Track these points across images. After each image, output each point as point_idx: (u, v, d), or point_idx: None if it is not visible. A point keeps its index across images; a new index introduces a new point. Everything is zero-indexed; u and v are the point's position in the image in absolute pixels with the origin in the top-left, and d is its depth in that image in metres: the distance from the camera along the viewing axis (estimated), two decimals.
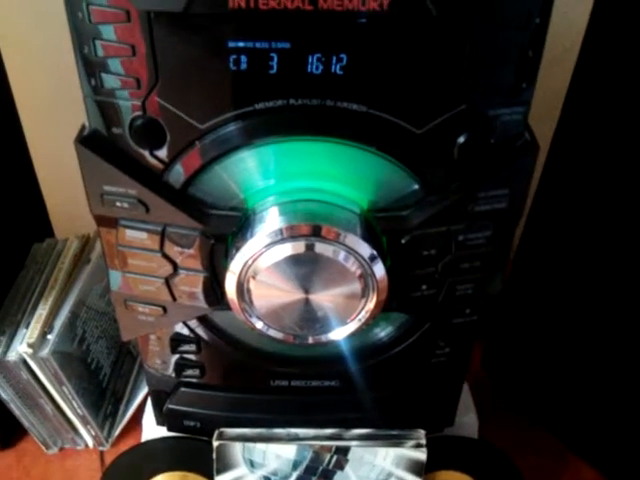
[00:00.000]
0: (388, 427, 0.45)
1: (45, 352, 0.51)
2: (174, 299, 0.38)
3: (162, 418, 0.47)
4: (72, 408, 0.55)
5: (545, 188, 0.49)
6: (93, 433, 0.58)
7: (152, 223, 0.34)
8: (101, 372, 0.60)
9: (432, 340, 0.42)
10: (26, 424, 0.56)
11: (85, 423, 0.57)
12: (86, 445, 0.59)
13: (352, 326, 0.36)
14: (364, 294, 0.34)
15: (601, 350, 0.51)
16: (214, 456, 0.44)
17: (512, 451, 0.50)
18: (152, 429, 0.49)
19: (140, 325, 0.40)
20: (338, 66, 0.29)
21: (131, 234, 0.35)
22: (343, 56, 0.29)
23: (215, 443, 0.44)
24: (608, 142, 0.43)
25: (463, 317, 0.39)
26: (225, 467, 0.45)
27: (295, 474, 0.45)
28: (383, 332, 0.41)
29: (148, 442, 0.47)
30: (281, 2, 0.27)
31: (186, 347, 0.42)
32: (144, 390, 0.61)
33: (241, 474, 0.45)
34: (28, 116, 0.62)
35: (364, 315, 0.35)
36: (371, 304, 0.35)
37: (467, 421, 0.50)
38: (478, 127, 0.32)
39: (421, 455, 0.44)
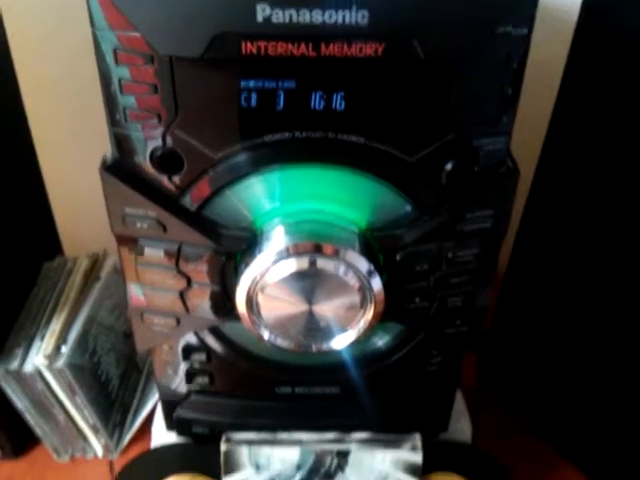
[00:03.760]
0: (386, 431, 0.49)
1: (60, 363, 0.54)
2: (187, 311, 0.41)
3: (172, 424, 0.50)
4: (84, 417, 0.58)
5: (533, 204, 0.51)
6: (103, 442, 0.60)
7: (169, 242, 0.38)
8: (110, 384, 0.62)
9: (426, 349, 0.45)
10: (39, 433, 0.59)
11: (95, 432, 0.59)
12: (95, 454, 0.61)
13: (352, 335, 0.39)
14: (362, 306, 0.38)
15: (592, 359, 0.52)
16: (221, 459, 0.47)
17: (504, 456, 0.53)
18: (161, 435, 0.51)
19: (154, 336, 0.43)
20: (339, 103, 0.33)
21: (149, 252, 0.38)
22: (343, 94, 0.33)
23: (223, 447, 0.47)
24: (592, 160, 0.46)
25: (454, 328, 0.43)
26: (232, 469, 0.48)
27: (298, 476, 0.48)
28: (380, 342, 0.45)
29: (157, 449, 0.50)
30: (288, 49, 0.30)
31: (196, 356, 0.45)
32: (151, 401, 0.64)
33: (247, 476, 0.48)
34: (41, 137, 0.64)
35: (363, 325, 0.39)
36: (369, 315, 0.38)
37: (461, 427, 0.53)
38: (464, 155, 0.35)
39: (417, 458, 0.47)
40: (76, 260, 0.65)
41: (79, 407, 0.57)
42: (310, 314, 0.38)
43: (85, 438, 0.60)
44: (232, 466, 0.48)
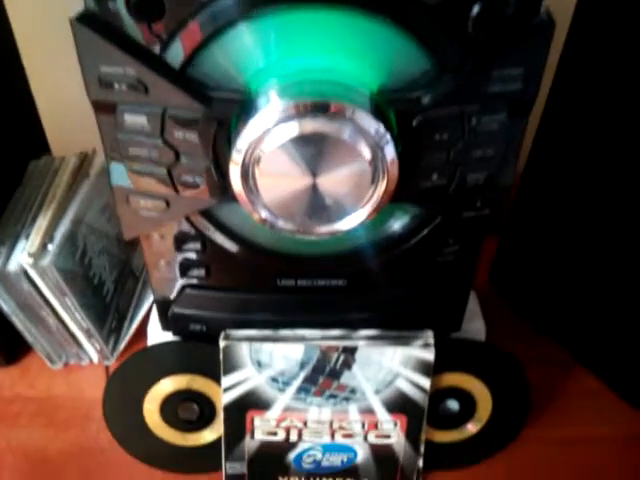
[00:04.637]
0: (395, 328, 0.45)
1: (46, 262, 0.50)
2: (177, 191, 0.36)
3: (167, 323, 0.46)
4: (75, 320, 0.55)
5: (554, 102, 0.49)
6: (98, 347, 0.58)
7: (152, 105, 0.33)
8: (104, 287, 0.59)
9: (442, 236, 0.41)
10: (29, 338, 0.56)
11: (89, 336, 0.57)
12: (91, 360, 0.59)
13: (361, 215, 0.35)
14: (374, 180, 0.33)
15: (608, 262, 0.51)
16: (221, 357, 0.44)
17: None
18: (157, 336, 0.48)
19: (142, 222, 0.39)
20: None
21: (131, 119, 0.34)
22: None
23: (222, 344, 0.44)
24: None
25: (474, 210, 0.38)
26: (232, 368, 0.44)
27: (302, 374, 0.45)
28: (391, 227, 0.40)
29: (153, 347, 0.47)
30: None
31: (190, 245, 0.41)
32: (148, 305, 0.61)
33: (248, 375, 0.45)
34: (24, 31, 0.60)
35: (373, 203, 0.34)
36: (380, 191, 0.34)
37: (475, 327, 0.49)
38: None
39: (429, 355, 0.44)
40: (64, 159, 0.61)
41: (69, 309, 0.54)
42: (314, 189, 0.34)
43: (79, 343, 0.58)
44: (232, 364, 0.44)
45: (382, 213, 0.35)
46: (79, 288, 0.54)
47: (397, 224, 0.40)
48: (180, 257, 0.42)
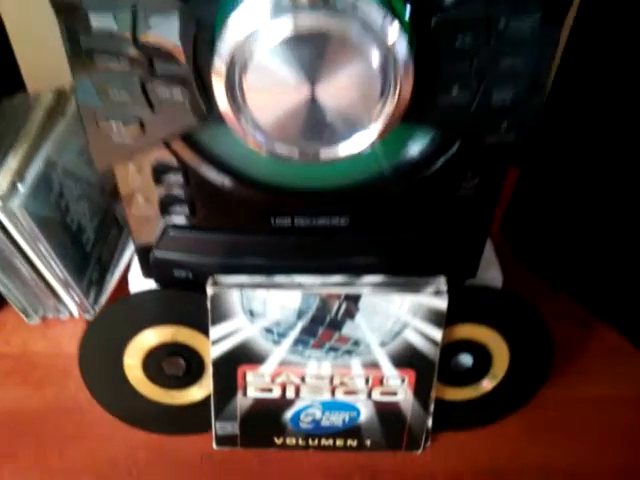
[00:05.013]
0: (404, 275, 0.40)
1: (16, 204, 0.45)
2: (152, 109, 0.31)
3: (149, 270, 0.42)
4: (51, 270, 0.50)
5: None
6: (77, 300, 0.53)
7: (120, 4, 0.28)
8: (83, 235, 0.54)
9: (460, 168, 0.36)
10: (3, 290, 0.51)
11: (67, 288, 0.52)
12: (71, 314, 0.54)
13: (367, 136, 0.30)
14: (383, 90, 0.28)
15: (628, 211, 0.47)
16: (208, 305, 0.39)
17: None
18: (138, 285, 0.43)
19: (115, 149, 0.34)
20: None
21: (96, 19, 0.28)
22: None
23: (210, 291, 0.39)
24: None
25: (498, 135, 0.33)
26: (221, 318, 0.40)
27: (300, 324, 0.40)
28: (402, 156, 0.35)
29: (134, 295, 0.42)
30: None
31: (172, 178, 0.36)
32: (131, 254, 0.56)
33: (239, 325, 0.40)
34: None
35: (383, 121, 0.29)
36: (392, 105, 0.29)
37: (491, 275, 0.45)
38: None
39: (441, 303, 0.40)
40: (39, 96, 0.56)
41: (44, 258, 0.49)
42: (313, 103, 0.28)
43: (57, 296, 0.53)
44: (221, 314, 0.40)
45: (392, 137, 0.30)
46: (55, 234, 0.50)
47: (409, 151, 0.35)
48: (160, 192, 0.37)
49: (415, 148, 0.35)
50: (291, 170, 0.35)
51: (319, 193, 0.36)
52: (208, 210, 0.37)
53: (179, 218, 0.38)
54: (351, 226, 0.38)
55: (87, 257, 0.54)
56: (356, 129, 0.30)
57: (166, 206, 0.37)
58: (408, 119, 0.30)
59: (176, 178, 0.36)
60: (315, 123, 0.29)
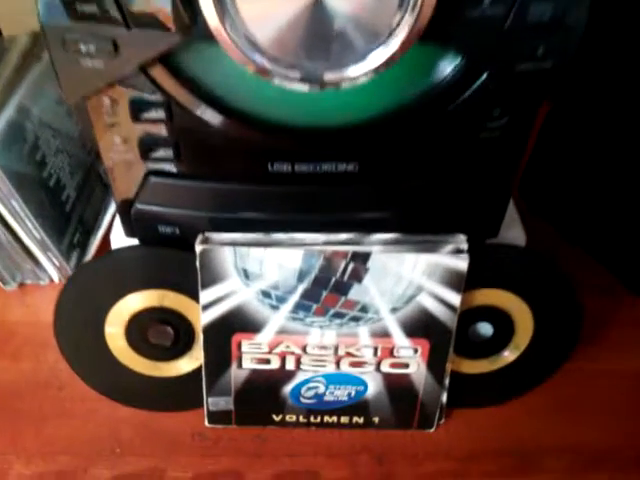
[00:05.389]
0: (419, 232, 0.36)
1: None
2: (127, 26, 0.26)
3: (131, 226, 0.37)
4: (27, 230, 0.45)
5: None
6: (57, 263, 0.48)
7: None
8: (63, 192, 0.49)
9: (486, 103, 0.31)
10: None
11: (45, 250, 0.47)
12: (51, 280, 0.50)
13: (381, 55, 0.25)
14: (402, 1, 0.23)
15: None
16: (197, 265, 0.35)
17: None
18: (120, 244, 0.39)
19: (86, 77, 0.29)
20: None
21: None
22: None
23: (198, 249, 0.34)
24: None
25: (532, 61, 0.28)
26: (212, 280, 0.35)
27: (301, 287, 0.35)
28: (419, 88, 0.30)
29: (114, 252, 0.38)
30: None
31: (152, 114, 0.31)
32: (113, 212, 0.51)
33: (233, 288, 0.35)
34: None
35: (400, 37, 0.24)
36: (411, 16, 0.24)
37: (512, 235, 0.40)
38: None
39: (461, 264, 0.35)
40: (14, 39, 0.51)
41: (19, 216, 0.45)
42: (319, 10, 0.24)
43: (35, 259, 0.48)
44: (212, 275, 0.35)
45: (409, 62, 0.26)
46: (30, 190, 0.45)
47: (428, 81, 0.30)
48: (140, 131, 0.32)
49: (436, 77, 0.30)
50: (291, 103, 0.30)
51: (324, 132, 0.31)
52: (195, 153, 0.33)
53: (162, 164, 0.33)
54: (360, 173, 0.33)
55: (67, 217, 0.50)
56: (368, 45, 0.25)
57: (147, 149, 0.32)
58: (430, 38, 0.25)
59: (157, 113, 0.31)
60: (321, 38, 0.25)
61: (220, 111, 0.30)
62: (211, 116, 0.30)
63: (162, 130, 0.31)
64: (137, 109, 0.31)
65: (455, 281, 0.36)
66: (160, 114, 0.31)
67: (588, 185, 0.49)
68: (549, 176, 0.52)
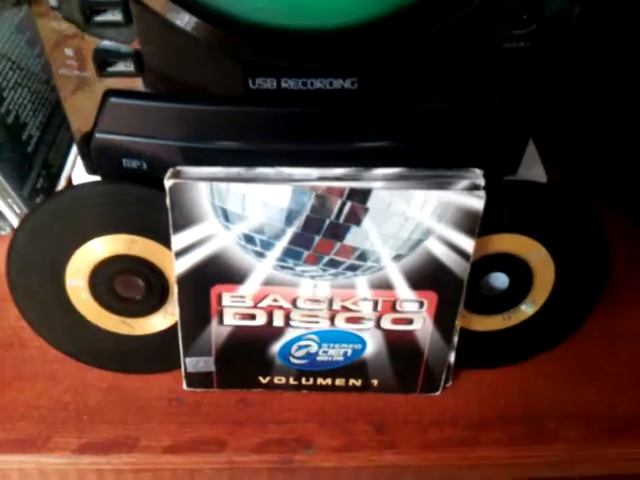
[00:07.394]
0: (428, 166, 0.31)
1: None
2: None
3: (90, 160, 0.32)
4: None
5: None
6: (18, 211, 0.43)
7: None
8: (24, 131, 0.44)
9: (511, 2, 0.25)
10: None
11: (5, 196, 0.42)
12: (13, 229, 0.45)
13: None
14: None
15: None
16: (168, 203, 0.30)
17: None
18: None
19: None
20: None
21: None
22: None
23: (168, 184, 0.29)
24: None
25: None
26: (186, 222, 0.30)
27: (290, 231, 0.31)
28: None
29: (73, 189, 0.33)
30: None
31: (107, 14, 0.25)
32: None
33: (210, 232, 0.31)
34: None
35: None
36: None
37: (533, 173, 0.35)
38: None
39: (477, 202, 0.30)
40: None
41: None
42: None
43: None
44: (186, 216, 0.30)
45: None
46: None
47: None
48: (94, 39, 0.26)
49: None
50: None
51: (316, 38, 0.26)
52: (160, 65, 0.27)
53: (123, 80, 0.28)
54: (360, 92, 0.28)
55: (29, 159, 0.44)
56: None
57: (103, 60, 0.27)
58: None
59: (113, 15, 0.25)
60: None
61: (189, 9, 0.25)
62: (178, 15, 0.25)
63: (119, 34, 0.26)
64: (89, 10, 0.25)
65: (469, 223, 0.31)
66: (116, 15, 0.25)
67: (605, 129, 0.47)
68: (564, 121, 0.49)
